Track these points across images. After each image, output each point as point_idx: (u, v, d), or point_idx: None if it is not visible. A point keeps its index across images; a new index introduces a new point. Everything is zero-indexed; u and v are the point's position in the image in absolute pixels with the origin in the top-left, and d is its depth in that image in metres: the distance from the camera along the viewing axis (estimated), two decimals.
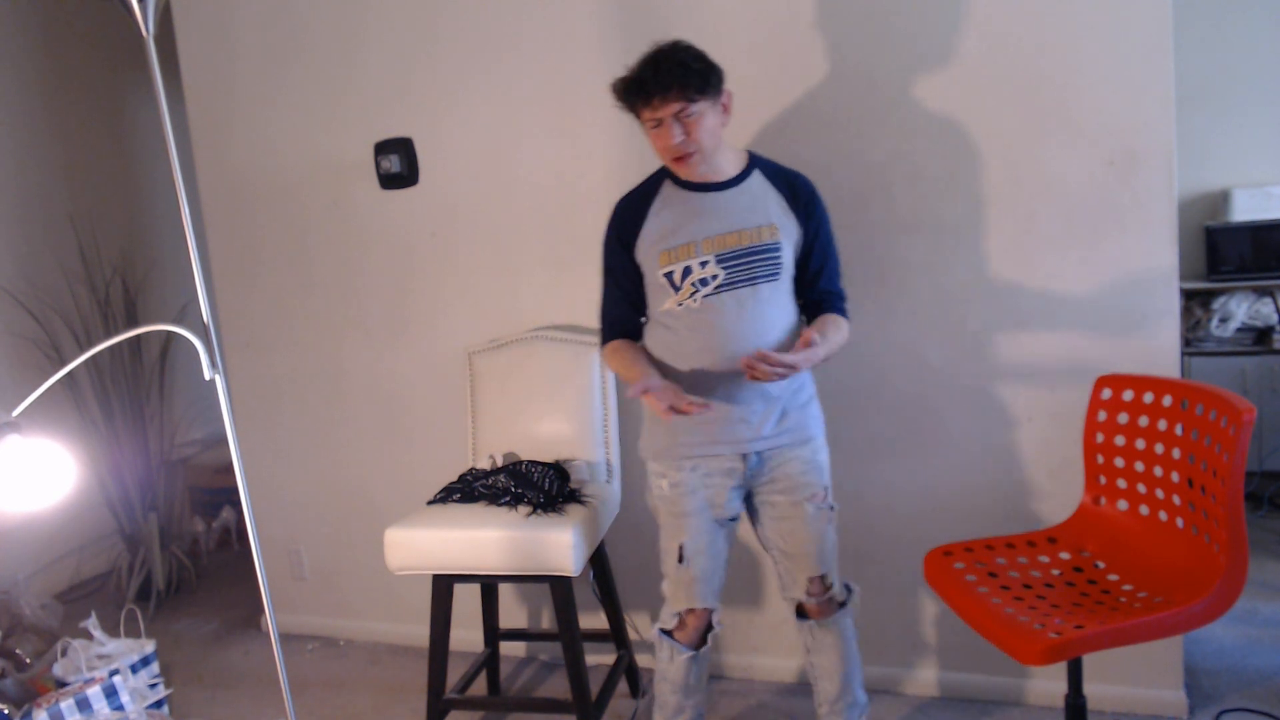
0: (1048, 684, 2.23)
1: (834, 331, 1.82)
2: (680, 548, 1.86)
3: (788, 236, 1.82)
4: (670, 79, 1.69)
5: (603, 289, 1.95)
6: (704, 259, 1.79)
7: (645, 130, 1.79)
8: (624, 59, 2.37)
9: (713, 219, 1.81)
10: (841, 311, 1.88)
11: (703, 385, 1.80)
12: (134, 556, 3.43)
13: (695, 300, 1.80)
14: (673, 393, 1.69)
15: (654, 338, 1.89)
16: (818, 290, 1.88)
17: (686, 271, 1.80)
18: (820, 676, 1.94)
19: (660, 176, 1.90)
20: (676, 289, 1.81)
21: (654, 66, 1.71)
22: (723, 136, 1.81)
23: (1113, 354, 2.07)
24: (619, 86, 1.77)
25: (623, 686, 2.49)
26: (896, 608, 2.34)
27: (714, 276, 1.79)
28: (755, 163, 1.87)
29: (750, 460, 1.86)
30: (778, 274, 1.81)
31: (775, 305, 1.81)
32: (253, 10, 2.78)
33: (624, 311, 1.93)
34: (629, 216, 1.88)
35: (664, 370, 1.84)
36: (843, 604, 1.91)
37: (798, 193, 1.85)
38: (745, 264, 1.79)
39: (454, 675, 2.56)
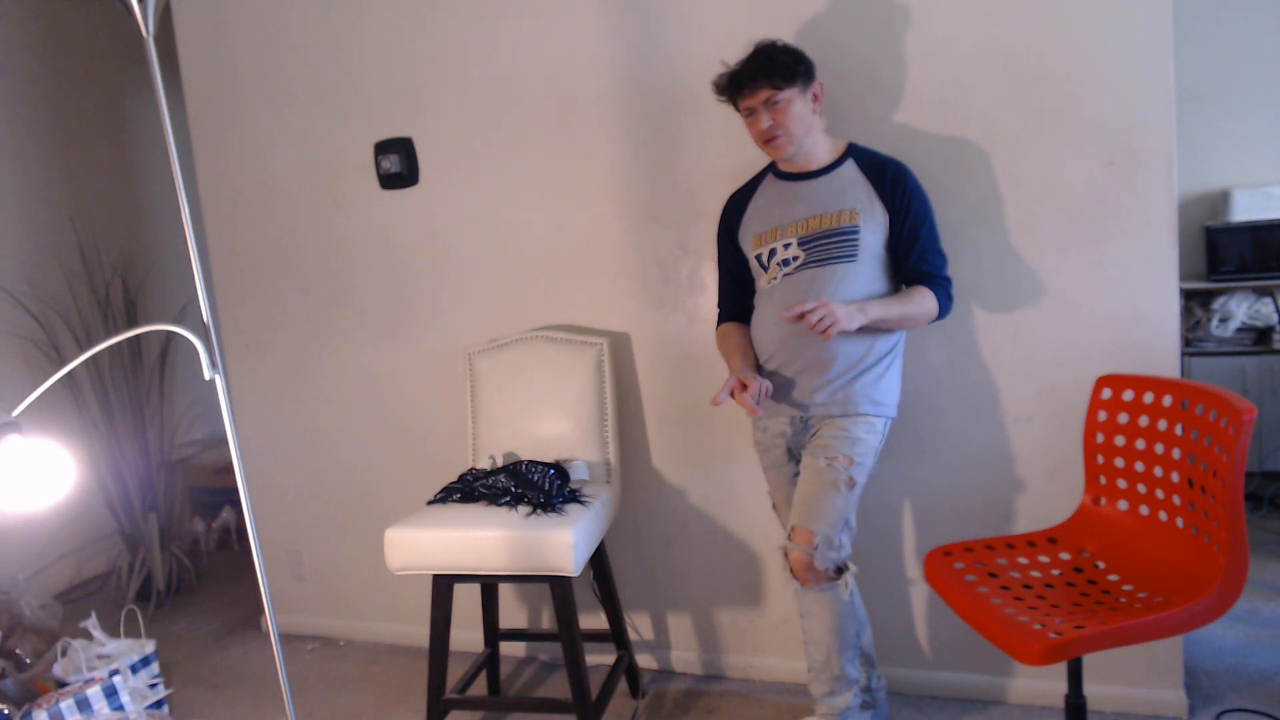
0: (1047, 684, 2.23)
1: (898, 300, 1.91)
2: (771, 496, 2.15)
3: (871, 220, 1.92)
4: (757, 70, 1.88)
5: (718, 276, 2.18)
6: (787, 241, 1.97)
7: (744, 122, 1.97)
8: (622, 57, 2.38)
9: (800, 205, 1.97)
10: (928, 285, 1.93)
11: (774, 354, 1.99)
12: (134, 556, 3.43)
13: (778, 279, 1.97)
14: (745, 391, 1.89)
15: (754, 316, 2.09)
16: (908, 271, 1.95)
17: (772, 253, 1.99)
18: (807, 642, 1.99)
19: (764, 172, 2.10)
20: (765, 269, 2.01)
21: (746, 61, 1.91)
22: (820, 129, 2.00)
23: (1113, 354, 2.07)
24: (717, 81, 1.96)
25: (623, 686, 2.49)
26: (895, 608, 2.34)
27: (795, 258, 1.95)
28: (851, 152, 2.00)
29: (796, 424, 2.01)
30: (855, 255, 1.91)
31: (850, 284, 1.91)
32: (252, 10, 2.78)
33: (731, 294, 2.15)
34: (733, 208, 2.12)
35: (755, 342, 2.05)
36: (833, 578, 1.92)
37: (885, 178, 1.94)
38: (823, 246, 1.93)
39: (454, 675, 2.56)
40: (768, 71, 1.86)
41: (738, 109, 1.97)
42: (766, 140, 1.94)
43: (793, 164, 2.00)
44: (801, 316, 1.79)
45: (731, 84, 1.93)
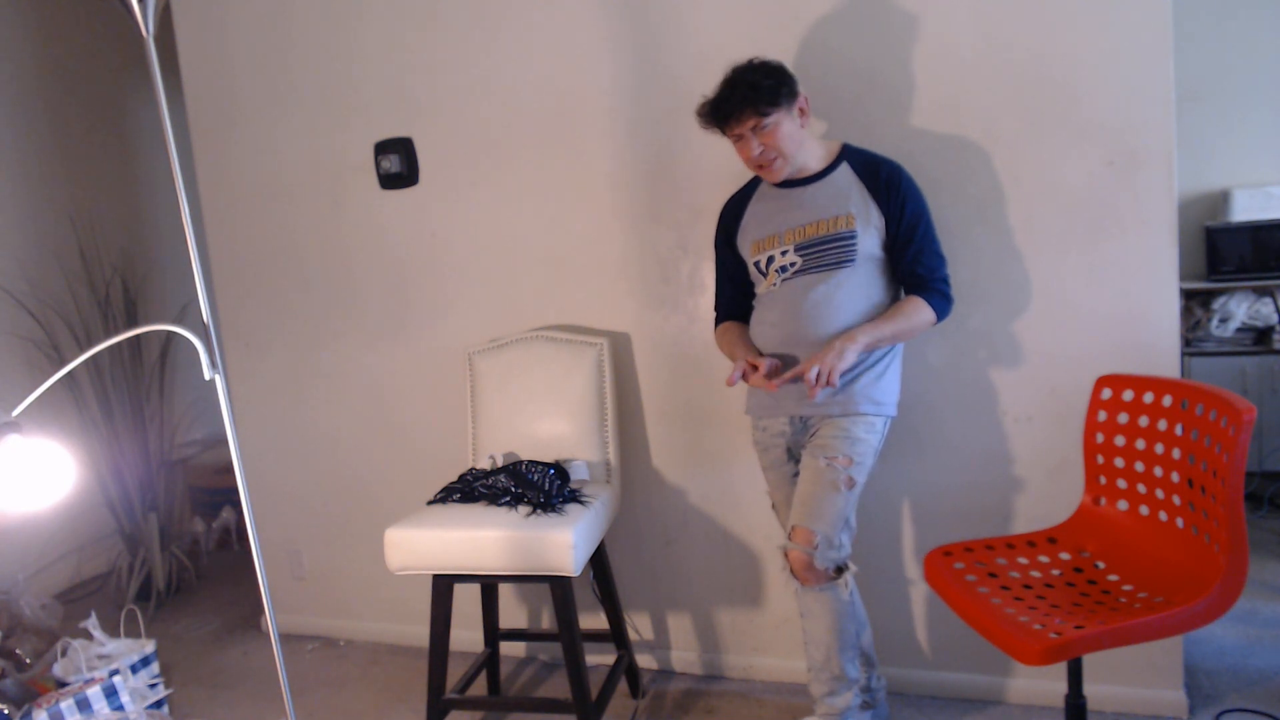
0: (1047, 684, 2.23)
1: (889, 320, 1.89)
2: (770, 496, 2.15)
3: (867, 224, 1.91)
4: (741, 100, 1.85)
5: (715, 278, 2.19)
6: (784, 248, 1.97)
7: (734, 146, 1.96)
8: (622, 57, 2.38)
9: (796, 211, 1.97)
10: (926, 292, 1.92)
11: (774, 356, 1.98)
12: (134, 556, 3.43)
13: (777, 285, 1.97)
14: (757, 373, 1.91)
15: (753, 317, 2.09)
16: (904, 273, 1.95)
17: (770, 260, 1.99)
18: (807, 642, 1.99)
19: (759, 177, 2.07)
20: (764, 275, 2.01)
21: (727, 89, 1.88)
22: (811, 134, 1.99)
23: (1113, 354, 2.07)
24: (700, 112, 1.94)
25: (623, 686, 2.49)
26: (895, 608, 2.34)
27: (793, 264, 1.95)
28: (845, 155, 1.99)
29: (795, 424, 2.01)
30: (853, 260, 1.91)
31: (849, 289, 1.91)
32: (253, 10, 2.78)
33: (729, 296, 2.15)
34: (730, 214, 2.11)
35: (754, 343, 2.05)
36: (833, 577, 1.92)
37: (879, 180, 1.93)
38: (820, 252, 1.92)
39: (454, 675, 2.56)
40: (752, 100, 1.83)
41: (724, 135, 1.94)
42: (760, 166, 1.93)
43: (783, 177, 1.98)
44: (803, 377, 1.82)
45: (715, 115, 1.90)
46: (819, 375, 1.79)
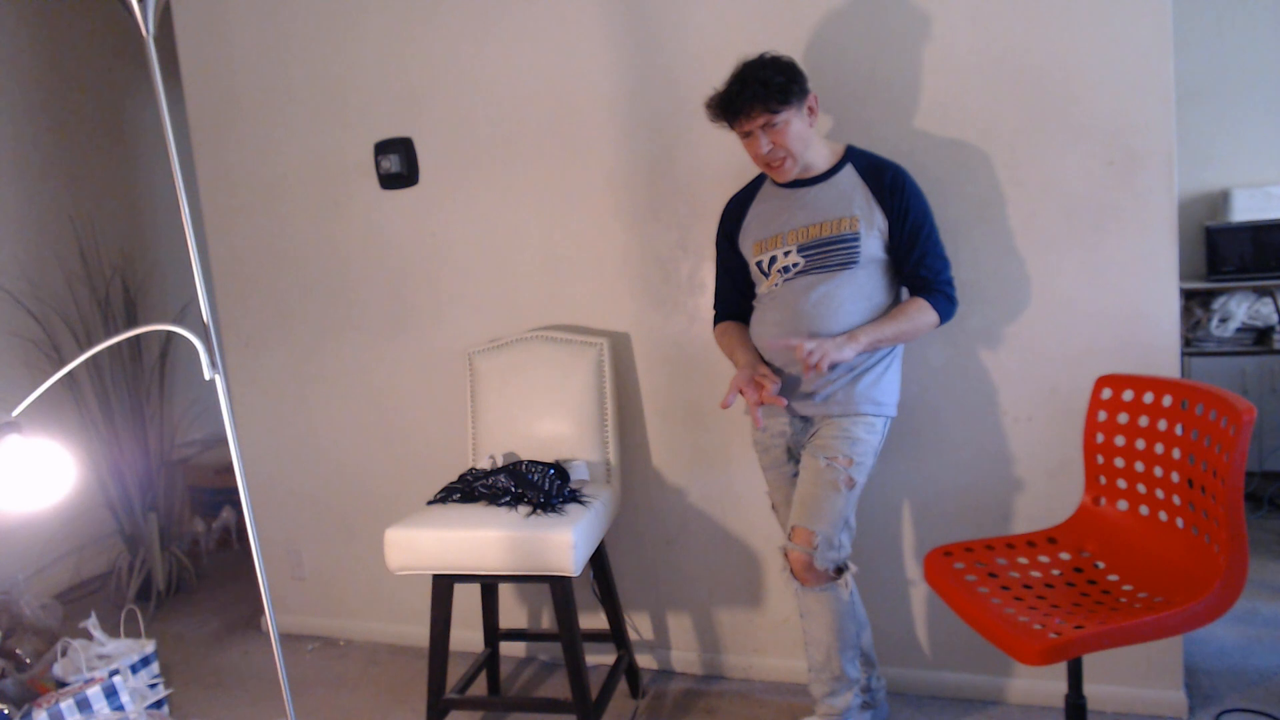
0: (1047, 684, 2.23)
1: (891, 320, 1.90)
2: (770, 497, 2.15)
3: (871, 226, 1.91)
4: (752, 96, 1.83)
5: (715, 277, 2.18)
6: (787, 249, 1.96)
7: (742, 142, 1.95)
8: (622, 57, 2.38)
9: (799, 212, 1.96)
10: (930, 294, 1.92)
11: (775, 356, 1.98)
12: (134, 556, 3.43)
13: (779, 284, 1.97)
14: (754, 386, 1.91)
15: (753, 317, 2.09)
16: (908, 276, 1.95)
17: (773, 260, 1.98)
18: (807, 642, 2.00)
19: (763, 176, 2.08)
20: (766, 275, 2.00)
21: (738, 85, 1.86)
22: (818, 133, 1.98)
23: (1113, 354, 2.07)
24: (710, 105, 1.92)
25: (623, 686, 2.49)
26: (895, 608, 2.34)
27: (795, 265, 1.94)
28: (850, 157, 1.98)
29: (796, 424, 2.01)
30: (855, 262, 1.91)
31: (850, 290, 1.91)
32: (252, 10, 2.78)
33: (729, 296, 2.15)
34: (733, 213, 2.10)
35: (755, 343, 2.05)
36: (833, 577, 1.92)
37: (883, 183, 1.92)
38: (823, 253, 1.92)
39: (454, 675, 2.56)
40: (762, 96, 1.81)
41: (733, 130, 1.93)
42: (768, 164, 1.93)
43: (790, 175, 1.97)
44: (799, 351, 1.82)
45: (725, 110, 1.88)
46: (812, 354, 1.76)
